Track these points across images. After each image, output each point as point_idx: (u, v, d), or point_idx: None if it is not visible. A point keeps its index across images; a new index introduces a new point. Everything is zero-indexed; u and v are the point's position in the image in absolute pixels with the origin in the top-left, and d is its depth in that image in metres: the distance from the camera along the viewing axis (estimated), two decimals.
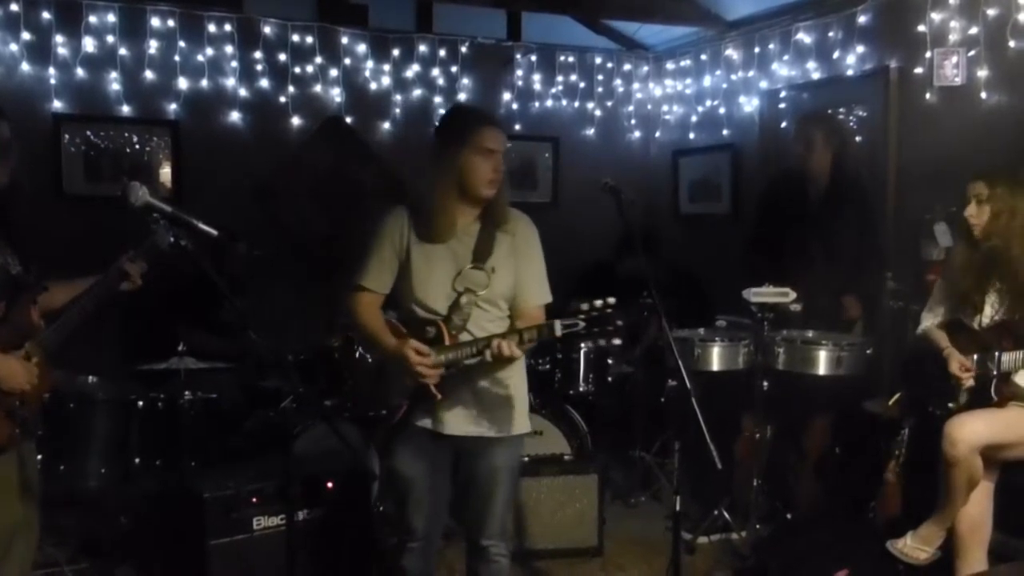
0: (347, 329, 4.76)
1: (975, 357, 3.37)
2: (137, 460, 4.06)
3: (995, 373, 3.30)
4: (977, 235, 3.42)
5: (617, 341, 2.65)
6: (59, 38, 5.27)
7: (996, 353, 3.29)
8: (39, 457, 3.14)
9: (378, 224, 2.90)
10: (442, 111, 6.13)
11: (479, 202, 2.84)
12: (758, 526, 4.21)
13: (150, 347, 4.44)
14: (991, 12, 4.32)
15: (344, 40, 5.88)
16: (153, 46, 5.44)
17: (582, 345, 4.84)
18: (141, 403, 4.08)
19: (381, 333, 2.84)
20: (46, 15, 5.24)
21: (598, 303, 2.59)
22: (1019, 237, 3.32)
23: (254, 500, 3.53)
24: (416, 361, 2.69)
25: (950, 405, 3.40)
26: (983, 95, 4.38)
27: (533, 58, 6.40)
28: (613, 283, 5.46)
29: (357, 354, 4.62)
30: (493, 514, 2.92)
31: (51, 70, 5.28)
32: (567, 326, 2.62)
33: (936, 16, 4.57)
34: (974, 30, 4.39)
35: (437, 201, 2.79)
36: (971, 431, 3.22)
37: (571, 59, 6.51)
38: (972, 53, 4.42)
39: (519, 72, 6.38)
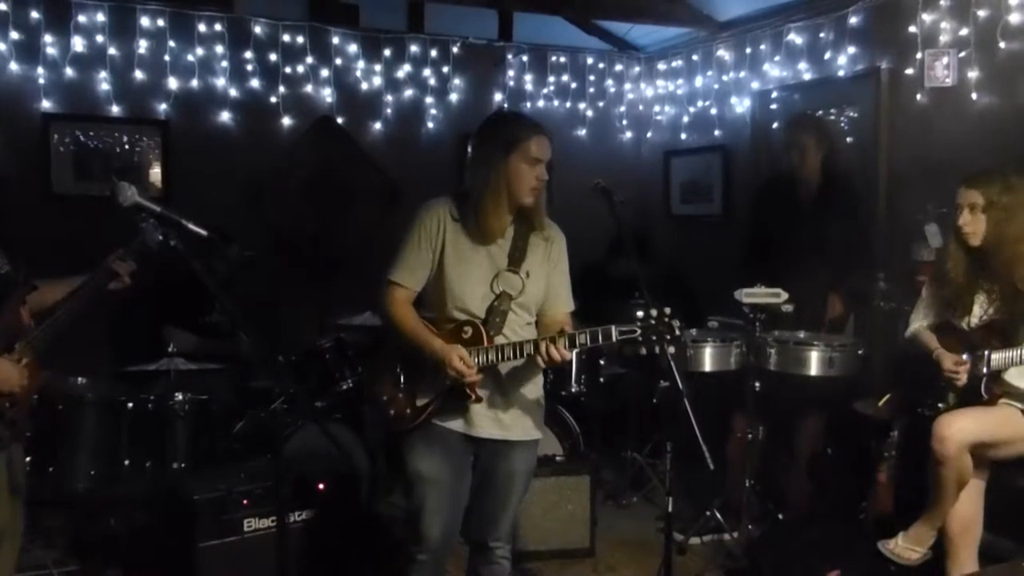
0: (339, 330, 4.76)
1: (964, 357, 3.38)
2: (127, 462, 4.04)
3: (985, 372, 3.30)
4: (971, 243, 3.40)
5: (672, 350, 2.65)
6: (48, 37, 5.24)
7: (986, 352, 3.30)
8: (28, 459, 3.12)
9: (414, 215, 2.86)
10: (433, 111, 6.14)
11: (516, 207, 2.84)
12: (750, 526, 4.22)
13: (140, 348, 4.42)
14: (981, 13, 4.34)
15: (335, 40, 5.86)
16: (143, 45, 5.42)
17: (577, 347, 4.83)
18: (131, 404, 4.06)
19: (424, 332, 2.79)
20: (35, 14, 5.21)
21: (654, 311, 2.63)
22: (1011, 240, 3.31)
23: (244, 502, 3.51)
24: (461, 366, 2.69)
25: (940, 406, 3.41)
26: (974, 96, 4.39)
27: (525, 58, 6.40)
28: (606, 284, 5.48)
29: (349, 354, 4.62)
30: (506, 517, 2.93)
31: (40, 69, 5.25)
32: (624, 332, 2.64)
33: (927, 17, 4.59)
34: (965, 31, 4.41)
35: (490, 204, 2.78)
36: (960, 428, 3.22)
37: (563, 59, 6.51)
38: (963, 54, 4.43)
39: (511, 72, 6.38)
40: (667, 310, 2.63)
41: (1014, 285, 3.30)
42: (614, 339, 2.65)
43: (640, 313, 2.64)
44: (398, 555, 2.97)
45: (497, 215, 2.80)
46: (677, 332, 2.62)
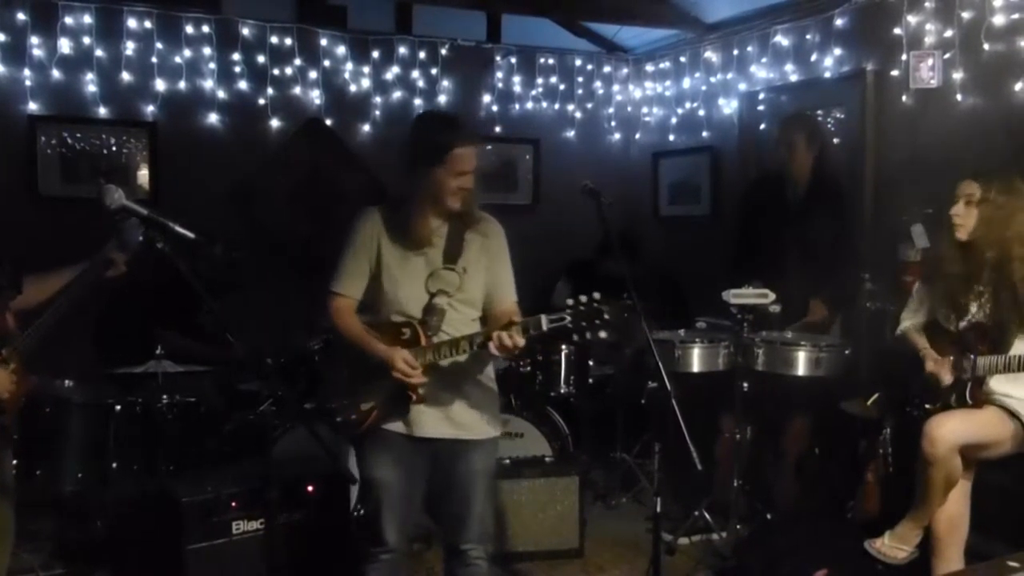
0: (327, 332, 4.75)
1: (951, 359, 3.39)
2: (114, 464, 4.02)
3: (969, 376, 3.32)
4: (960, 236, 3.39)
5: (603, 335, 2.65)
6: (34, 39, 5.23)
7: (973, 357, 3.30)
8: (15, 462, 3.11)
9: (349, 229, 2.91)
10: (424, 111, 6.14)
11: (446, 211, 2.86)
12: (738, 526, 4.23)
13: (128, 350, 4.40)
14: (966, 15, 4.36)
15: (323, 42, 5.86)
16: (130, 47, 5.41)
17: (563, 347, 4.86)
18: (119, 407, 4.05)
19: (367, 338, 2.84)
20: (21, 16, 5.19)
21: (583, 298, 2.62)
22: (1009, 244, 3.30)
23: (233, 504, 3.50)
24: (405, 367, 2.72)
25: (927, 407, 3.42)
26: (958, 97, 4.42)
27: (513, 60, 6.41)
28: (594, 284, 5.48)
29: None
30: (472, 518, 2.91)
31: (26, 71, 5.23)
32: (553, 320, 2.64)
33: (912, 19, 4.61)
34: (949, 33, 4.44)
35: (415, 213, 2.81)
36: (950, 430, 3.24)
37: (551, 61, 6.52)
38: (947, 56, 4.46)
39: (499, 74, 6.39)
40: (596, 295, 2.62)
41: (1003, 288, 3.30)
42: (544, 328, 2.65)
43: (569, 301, 2.64)
44: (361, 555, 2.97)
45: (423, 223, 2.82)
46: (606, 317, 2.61)
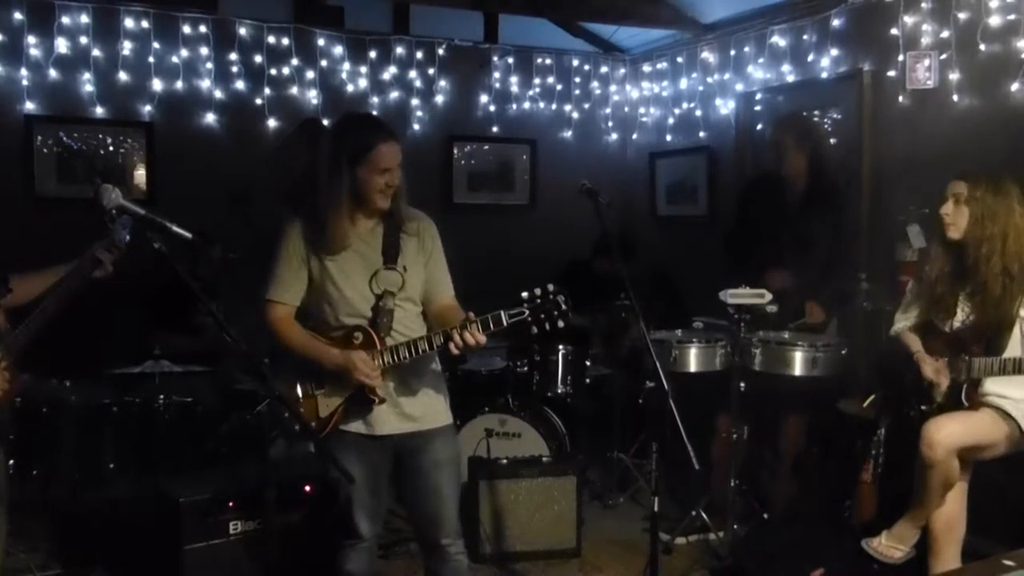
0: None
1: (946, 360, 3.39)
2: (111, 464, 4.03)
3: (964, 379, 3.32)
4: (950, 235, 3.40)
5: (562, 324, 2.67)
6: (31, 39, 5.22)
7: (968, 359, 3.30)
8: (11, 462, 3.11)
9: (280, 233, 2.89)
10: (419, 113, 6.15)
11: (373, 211, 2.86)
12: (735, 526, 4.23)
13: (125, 350, 4.40)
14: (962, 16, 4.37)
15: (320, 42, 5.86)
16: (127, 47, 5.40)
17: (560, 347, 4.86)
18: (115, 407, 4.05)
19: (317, 344, 2.82)
20: (18, 15, 5.18)
21: (538, 291, 2.65)
22: (995, 243, 3.30)
23: (230, 504, 3.51)
24: (366, 370, 2.73)
25: (923, 408, 3.43)
26: (955, 97, 4.43)
27: (510, 60, 6.41)
28: (591, 283, 5.50)
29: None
30: (447, 511, 2.93)
31: (23, 71, 5.23)
32: (513, 315, 2.66)
33: (908, 20, 4.62)
34: (945, 33, 4.45)
35: (330, 216, 2.78)
36: (948, 434, 3.24)
37: (548, 61, 6.52)
38: (944, 56, 4.47)
39: (496, 74, 6.39)
40: (550, 287, 2.64)
41: (995, 289, 3.29)
42: (505, 324, 2.66)
43: (525, 294, 2.66)
44: (336, 546, 3.01)
45: (338, 224, 2.79)
46: (564, 307, 2.64)
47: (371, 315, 2.82)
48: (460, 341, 2.66)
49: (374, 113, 3.10)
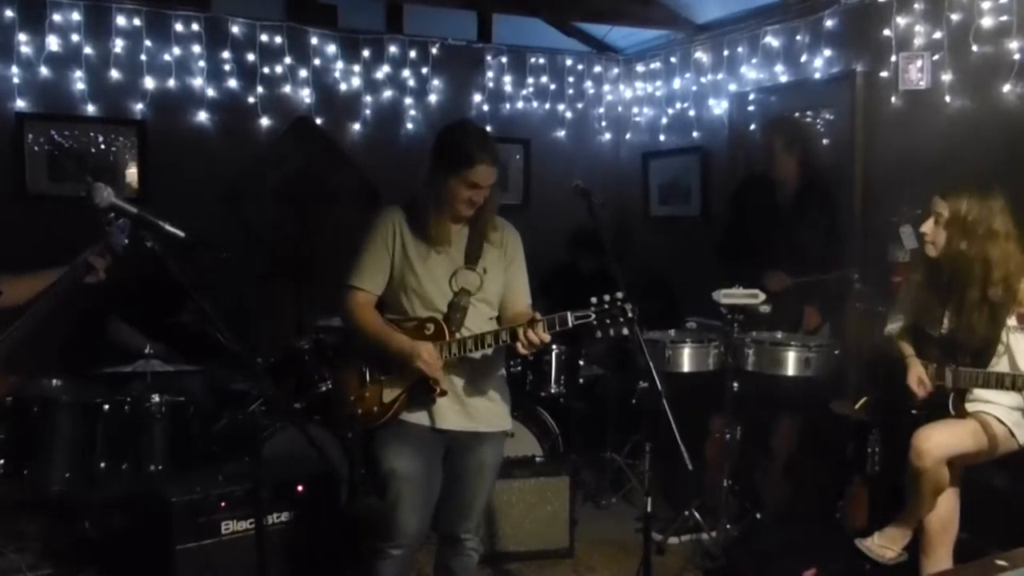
0: (317, 331, 4.74)
1: (934, 367, 3.39)
2: (103, 464, 4.00)
3: (951, 388, 3.31)
4: (928, 253, 3.37)
5: (625, 332, 2.74)
6: (22, 36, 5.19)
7: (955, 368, 3.29)
8: (2, 461, 3.09)
9: (369, 223, 2.97)
10: (412, 112, 6.14)
11: (459, 216, 2.95)
12: (728, 526, 4.24)
13: (116, 349, 4.38)
14: (954, 17, 4.38)
15: (314, 40, 5.84)
16: (119, 45, 5.38)
17: (554, 347, 4.86)
18: (107, 406, 4.03)
19: (389, 331, 2.90)
20: (9, 13, 5.15)
21: (607, 297, 2.73)
22: (974, 268, 3.26)
23: (223, 504, 3.49)
24: (430, 359, 2.80)
25: (914, 412, 3.43)
26: (947, 98, 4.44)
27: (504, 60, 6.41)
28: (576, 280, 5.50)
29: (328, 355, 4.60)
30: (476, 508, 3.02)
31: (14, 68, 5.20)
32: (579, 317, 2.74)
33: (901, 21, 4.63)
34: (938, 35, 4.46)
35: (432, 215, 2.89)
36: (937, 444, 3.25)
37: (542, 61, 6.52)
38: (936, 57, 4.48)
39: (490, 74, 6.38)
40: (619, 294, 2.73)
41: (973, 313, 3.27)
42: (570, 324, 2.75)
43: (593, 299, 2.74)
44: (367, 550, 3.00)
45: (440, 224, 2.91)
46: (630, 315, 2.71)
47: (446, 310, 2.90)
48: (525, 339, 2.74)
49: (488, 130, 3.21)
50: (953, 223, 3.30)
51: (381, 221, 2.95)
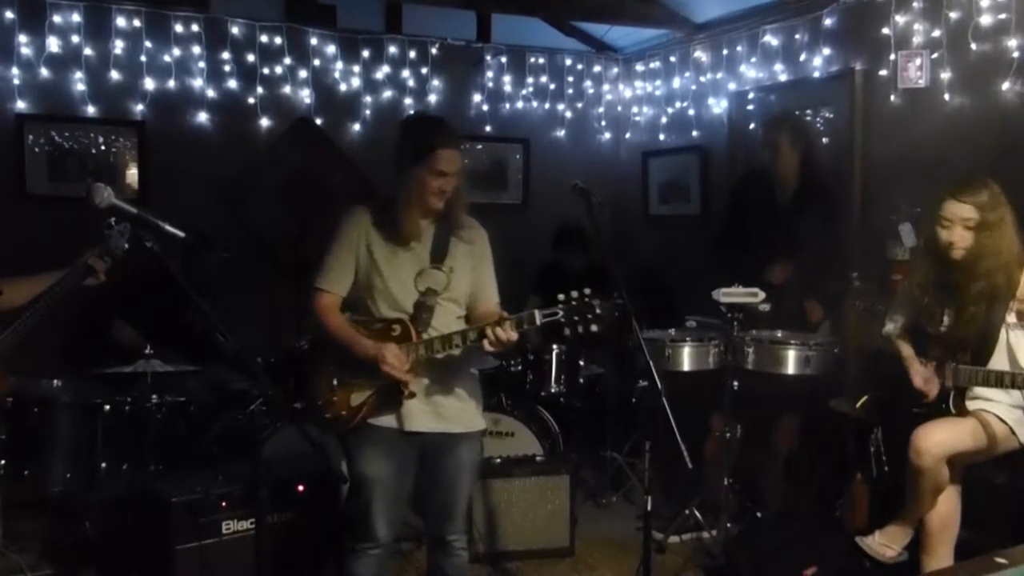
0: (316, 331, 4.74)
1: (934, 365, 3.39)
2: (103, 464, 4.00)
3: (951, 385, 3.32)
4: (954, 256, 3.32)
5: (595, 329, 2.73)
6: (22, 37, 5.20)
7: (955, 366, 3.29)
8: (2, 462, 3.09)
9: (336, 226, 2.96)
10: (412, 112, 6.13)
11: (431, 211, 2.93)
12: (728, 525, 4.23)
13: (116, 349, 4.38)
14: (953, 15, 4.39)
15: (313, 41, 5.84)
16: (119, 46, 5.38)
17: (554, 347, 4.86)
18: (107, 406, 4.03)
19: (354, 334, 2.89)
20: (9, 14, 5.16)
21: (575, 293, 2.71)
22: (991, 253, 3.26)
23: (223, 504, 3.50)
24: (395, 362, 2.78)
25: (915, 411, 3.43)
26: (946, 96, 4.44)
27: (503, 59, 6.41)
28: (564, 278, 5.50)
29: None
30: (459, 509, 3.02)
31: (14, 70, 5.21)
32: (547, 314, 2.73)
33: (900, 19, 4.63)
34: (937, 33, 4.46)
35: (403, 210, 2.88)
36: (936, 442, 3.25)
37: (541, 60, 6.52)
38: (935, 55, 4.48)
39: (489, 73, 6.39)
40: (587, 291, 2.72)
41: (980, 306, 3.27)
42: (538, 323, 2.74)
43: (561, 296, 2.73)
44: (344, 550, 3.01)
45: (410, 219, 2.89)
46: (598, 311, 2.71)
47: (412, 311, 2.89)
48: (493, 337, 2.73)
49: (442, 117, 3.24)
50: (982, 224, 3.27)
51: (347, 223, 2.94)
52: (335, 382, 2.94)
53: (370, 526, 2.92)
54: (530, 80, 6.50)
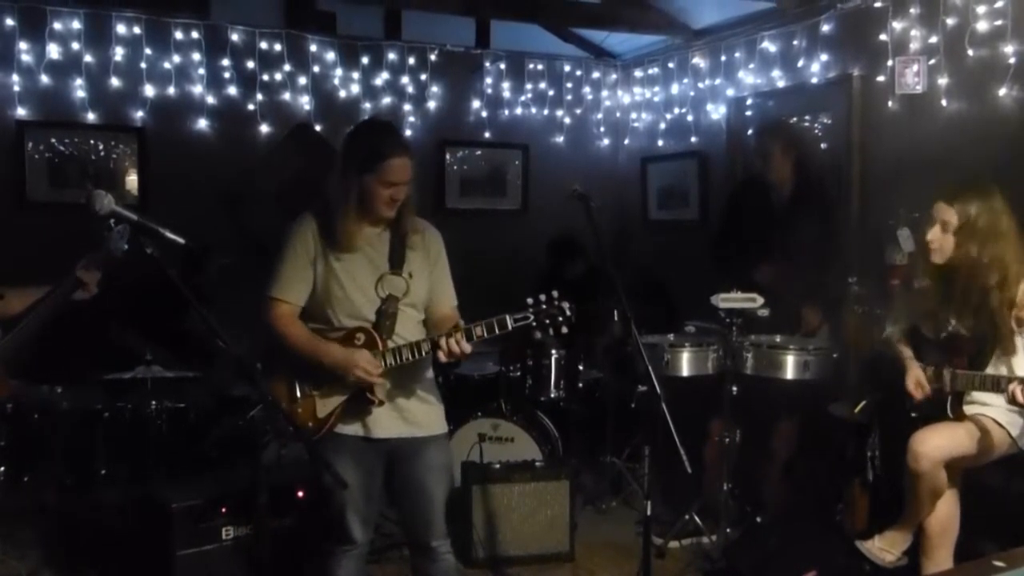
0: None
1: (932, 369, 3.40)
2: (103, 470, 4.01)
3: (949, 390, 3.32)
4: (934, 260, 3.35)
5: (565, 330, 2.74)
6: (23, 44, 5.22)
7: (953, 371, 3.29)
8: (2, 468, 3.10)
9: (286, 234, 2.90)
10: (412, 119, 6.16)
11: (378, 219, 2.88)
12: (728, 529, 4.24)
13: (117, 356, 4.38)
14: (950, 21, 4.40)
15: (313, 47, 5.86)
16: (119, 53, 5.40)
17: (553, 352, 4.87)
18: (107, 413, 4.04)
19: (320, 342, 2.82)
20: (9, 21, 5.18)
21: (543, 296, 2.71)
22: (987, 270, 3.26)
23: (223, 509, 3.50)
24: (369, 367, 2.74)
25: (913, 415, 3.44)
26: (943, 102, 4.46)
27: (502, 65, 6.43)
28: (562, 287, 5.50)
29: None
30: (437, 514, 2.96)
31: (15, 76, 5.23)
32: (518, 319, 2.72)
33: (897, 25, 4.65)
34: (934, 39, 4.48)
35: (339, 219, 2.81)
36: (934, 447, 3.26)
37: (540, 67, 6.54)
38: (932, 61, 4.50)
39: (488, 79, 6.40)
40: (555, 293, 2.72)
41: (983, 309, 3.27)
42: (510, 327, 2.72)
43: (530, 300, 2.72)
44: (323, 551, 3.00)
45: (347, 228, 2.82)
46: (568, 314, 2.71)
47: (374, 318, 2.84)
48: (447, 349, 2.71)
49: (393, 124, 3.17)
50: (963, 229, 3.26)
51: (299, 230, 2.87)
52: (296, 392, 2.87)
53: (346, 529, 2.90)
54: (529, 86, 6.52)
